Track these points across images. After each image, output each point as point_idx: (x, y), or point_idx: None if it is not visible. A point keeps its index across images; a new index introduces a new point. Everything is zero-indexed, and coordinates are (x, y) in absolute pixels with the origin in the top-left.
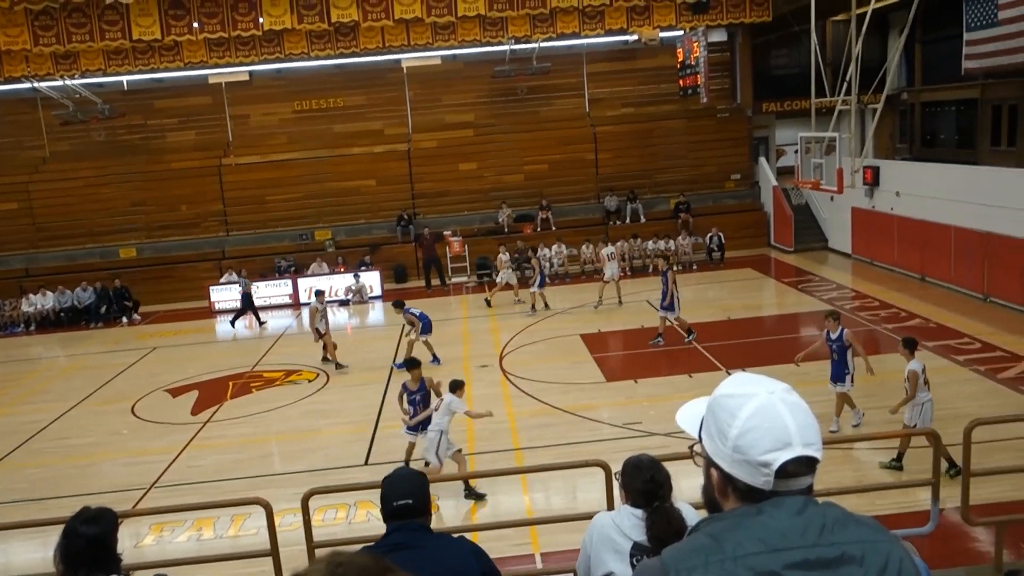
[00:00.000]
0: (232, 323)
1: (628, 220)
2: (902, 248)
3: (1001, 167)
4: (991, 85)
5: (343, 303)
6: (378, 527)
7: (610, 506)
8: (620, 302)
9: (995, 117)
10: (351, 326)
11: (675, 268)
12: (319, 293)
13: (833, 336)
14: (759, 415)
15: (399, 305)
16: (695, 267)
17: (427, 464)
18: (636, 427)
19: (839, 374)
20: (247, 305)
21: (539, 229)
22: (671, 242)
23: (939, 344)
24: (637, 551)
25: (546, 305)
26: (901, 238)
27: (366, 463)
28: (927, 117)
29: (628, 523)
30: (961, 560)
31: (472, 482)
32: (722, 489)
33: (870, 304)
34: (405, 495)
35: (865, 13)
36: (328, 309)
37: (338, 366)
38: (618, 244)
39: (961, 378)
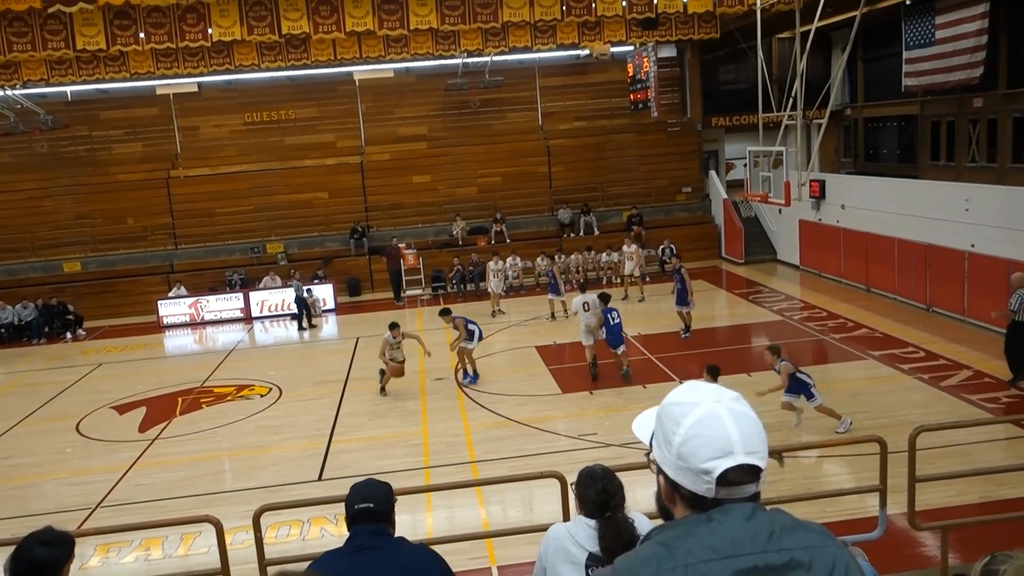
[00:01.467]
0: (300, 328)
1: (582, 233)
2: (848, 259)
3: (940, 180)
4: (930, 102)
5: (296, 316)
6: (333, 543)
7: (566, 517)
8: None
9: (934, 133)
10: (303, 340)
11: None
12: (394, 326)
13: (777, 368)
14: (702, 423)
15: (446, 312)
16: (647, 279)
17: None
18: (591, 438)
19: (804, 392)
20: (302, 307)
21: (493, 242)
22: (622, 254)
23: (885, 353)
24: (592, 561)
25: (565, 312)
26: (847, 250)
27: (319, 479)
28: (870, 132)
29: (583, 533)
30: (909, 564)
31: None
32: (669, 496)
33: (818, 315)
34: (365, 499)
35: (809, 31)
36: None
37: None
38: (572, 256)
39: (906, 386)
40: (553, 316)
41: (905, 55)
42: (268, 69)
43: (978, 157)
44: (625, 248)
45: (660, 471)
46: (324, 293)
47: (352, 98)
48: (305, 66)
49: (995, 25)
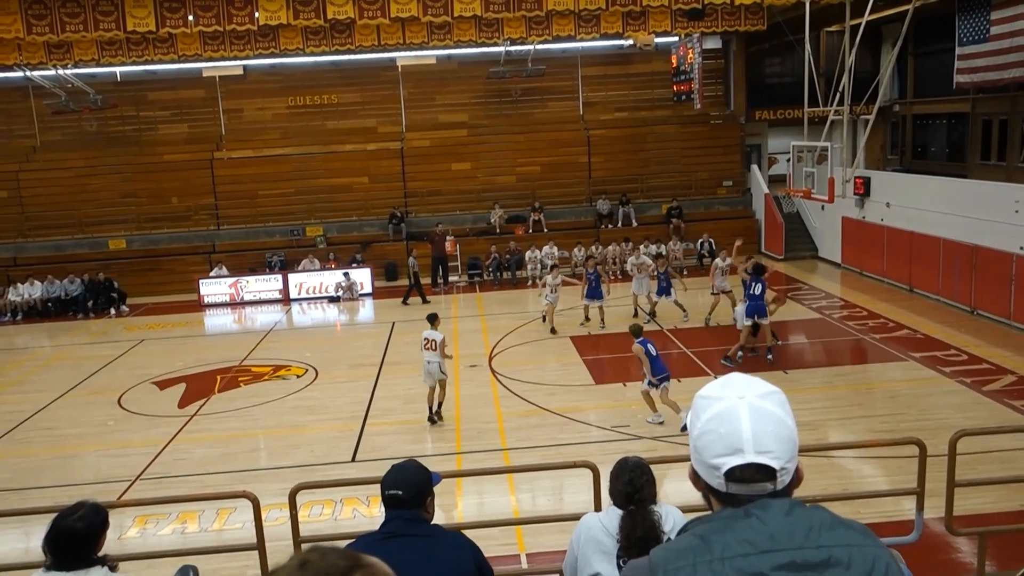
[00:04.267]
0: (406, 299)
1: (620, 224)
2: (891, 259)
3: (990, 181)
4: (982, 99)
5: (333, 299)
6: (364, 524)
7: (597, 507)
8: (635, 312)
9: (985, 131)
10: (340, 323)
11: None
12: (433, 318)
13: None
14: (717, 419)
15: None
16: (686, 272)
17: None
18: (624, 430)
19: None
20: (415, 283)
21: (531, 231)
22: (663, 247)
23: (926, 355)
24: (623, 552)
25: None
26: (890, 249)
27: (353, 460)
28: (918, 129)
29: (615, 524)
30: (945, 570)
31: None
32: (696, 484)
33: (858, 314)
34: (394, 485)
35: (859, 25)
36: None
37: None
38: (610, 248)
39: (947, 389)
40: (587, 318)
41: (958, 51)
42: (312, 54)
43: None
44: (632, 260)
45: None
46: (362, 277)
47: (394, 84)
48: (349, 51)
49: None
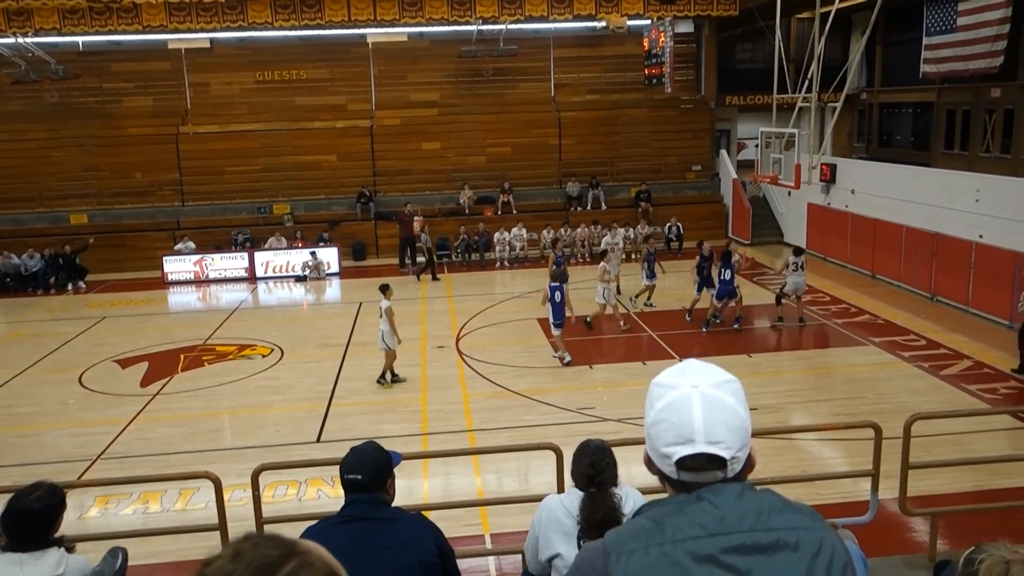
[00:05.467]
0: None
1: (589, 207)
2: (855, 245)
3: (952, 170)
4: (947, 90)
5: (300, 279)
6: (329, 505)
7: (560, 489)
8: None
9: (949, 121)
10: (307, 302)
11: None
12: (385, 288)
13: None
14: (670, 408)
15: (385, 288)
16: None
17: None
18: (589, 412)
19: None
20: (430, 260)
21: (500, 212)
22: (631, 230)
23: (886, 340)
24: (584, 533)
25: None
26: (854, 235)
27: (318, 440)
28: (884, 118)
29: (576, 505)
30: (898, 549)
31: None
32: (651, 469)
33: (821, 299)
34: (353, 469)
35: (829, 13)
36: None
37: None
38: (579, 230)
39: (906, 374)
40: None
41: (925, 41)
42: (281, 28)
43: (992, 148)
44: (607, 239)
45: None
46: (329, 256)
47: (364, 61)
48: (319, 26)
49: (1018, 15)
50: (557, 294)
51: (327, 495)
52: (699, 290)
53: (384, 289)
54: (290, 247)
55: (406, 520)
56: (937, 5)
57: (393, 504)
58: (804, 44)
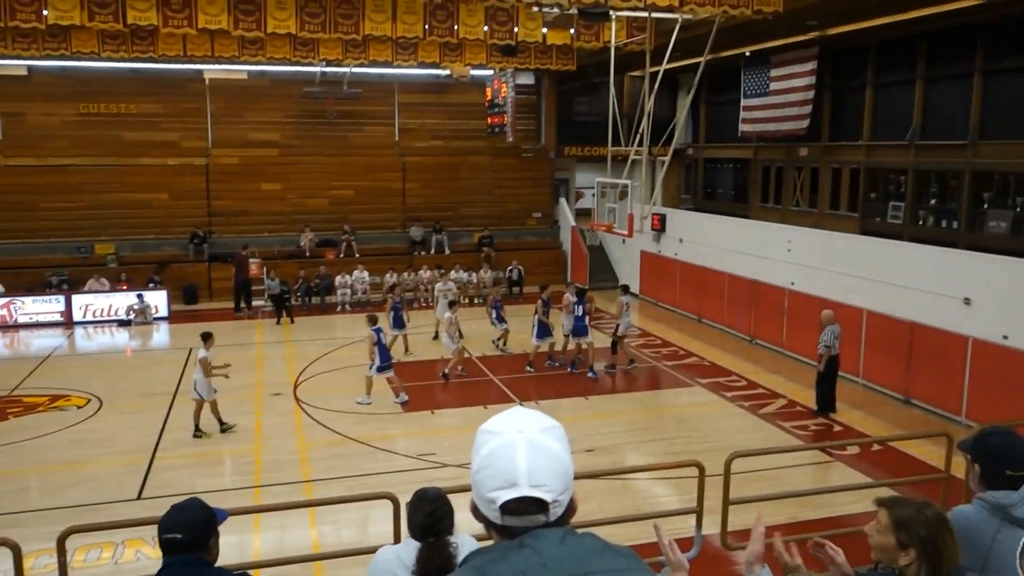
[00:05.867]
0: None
1: (433, 251)
2: (683, 291)
3: (768, 222)
4: (762, 148)
5: (124, 323)
6: (148, 567)
7: (397, 539)
8: (436, 336)
9: (765, 176)
10: (131, 349)
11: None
12: (207, 336)
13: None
14: (495, 454)
15: (207, 336)
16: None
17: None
18: (431, 458)
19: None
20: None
21: (342, 255)
22: (473, 275)
23: (711, 381)
24: None
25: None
26: (682, 281)
27: (139, 497)
28: (709, 172)
29: (412, 556)
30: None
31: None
32: (477, 516)
33: (653, 342)
34: (172, 528)
35: (658, 72)
36: None
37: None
38: (423, 273)
39: (728, 413)
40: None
41: (742, 103)
42: (110, 59)
43: (801, 202)
44: (439, 286)
45: None
46: (157, 300)
47: (201, 97)
48: (151, 59)
49: (821, 83)
50: (382, 336)
51: (147, 556)
52: (539, 337)
53: (205, 337)
54: (113, 290)
55: None
56: (753, 71)
57: (218, 564)
58: (636, 100)
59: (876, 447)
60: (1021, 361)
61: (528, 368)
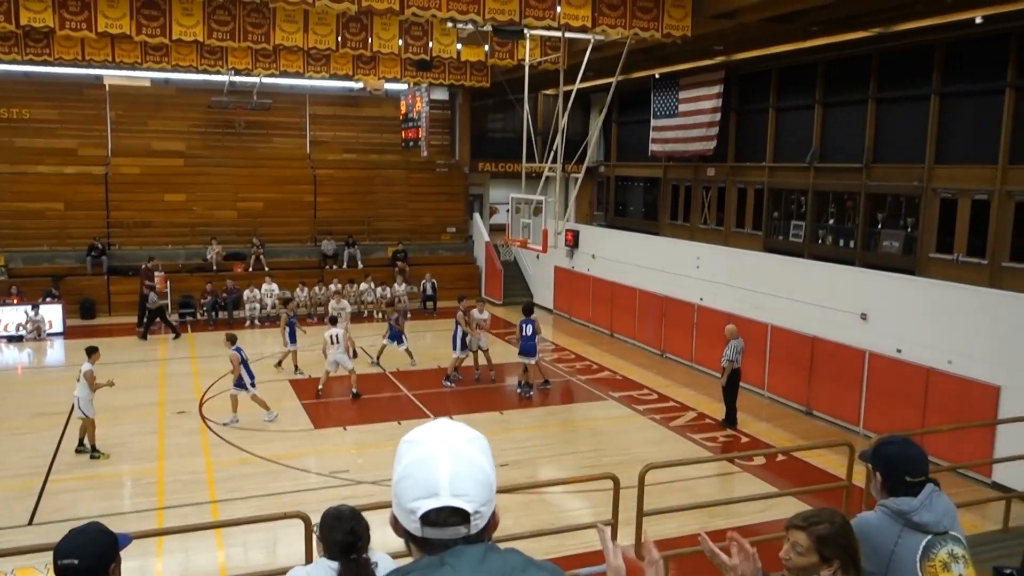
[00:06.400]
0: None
1: (345, 265)
2: (596, 306)
3: (677, 239)
4: (671, 167)
5: (15, 339)
6: None
7: (309, 559)
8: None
9: (674, 195)
10: (22, 366)
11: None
12: (92, 351)
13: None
14: (416, 464)
15: (92, 351)
16: (408, 315)
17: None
18: (343, 475)
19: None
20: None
21: (251, 269)
22: (387, 289)
23: (624, 395)
24: None
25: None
26: (595, 297)
27: (30, 523)
28: (620, 189)
29: None
30: None
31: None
32: (396, 531)
33: (567, 356)
34: (69, 554)
35: (571, 91)
36: None
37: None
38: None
39: (640, 425)
40: (280, 365)
41: (653, 123)
42: (0, 61)
43: (708, 220)
44: (333, 304)
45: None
46: (52, 314)
47: (100, 104)
48: (46, 63)
49: (727, 105)
50: (243, 354)
51: None
52: (461, 349)
53: (90, 352)
54: (4, 304)
55: None
56: (662, 92)
57: None
58: (550, 118)
59: (781, 457)
60: (913, 374)
61: (446, 383)
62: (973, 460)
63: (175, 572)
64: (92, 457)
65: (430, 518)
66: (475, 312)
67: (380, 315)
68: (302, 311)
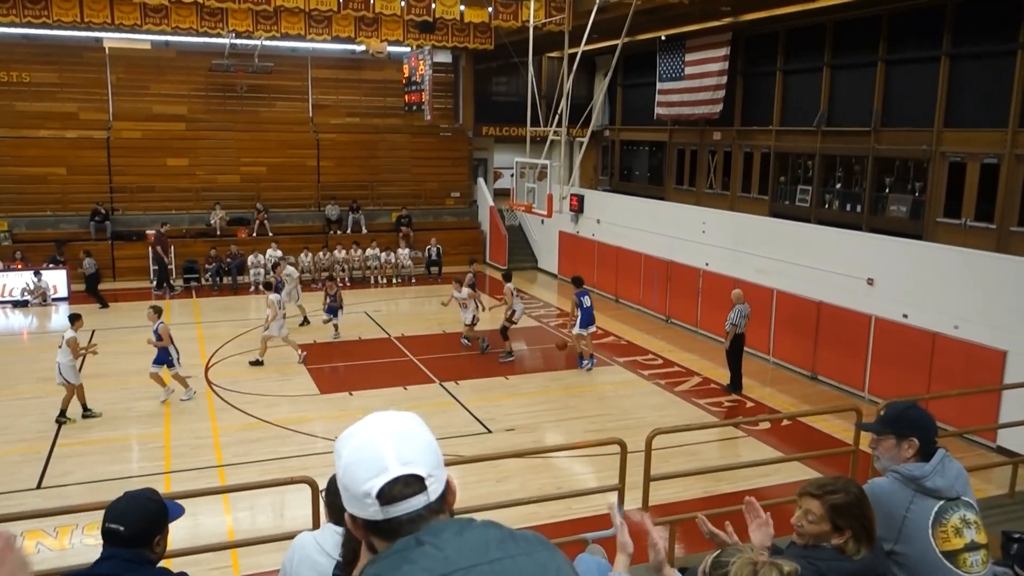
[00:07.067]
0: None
1: (349, 230)
2: (600, 271)
3: (682, 203)
4: (677, 131)
5: (20, 304)
6: (51, 559)
7: (316, 524)
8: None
9: (679, 159)
10: (27, 331)
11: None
12: (75, 318)
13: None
14: (358, 449)
15: (160, 310)
16: (414, 280)
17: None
18: None
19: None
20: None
21: (255, 234)
22: (392, 254)
23: (629, 360)
24: (340, 571)
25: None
26: (600, 262)
27: (39, 487)
28: (625, 154)
29: (331, 541)
30: (641, 557)
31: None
32: (356, 530)
33: (572, 322)
34: (116, 518)
35: (576, 54)
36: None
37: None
38: (338, 253)
39: (646, 391)
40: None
41: (658, 86)
42: None
43: (714, 184)
44: (287, 271)
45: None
46: (56, 279)
47: (100, 67)
48: (45, 25)
49: (733, 68)
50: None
51: (48, 548)
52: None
53: (73, 319)
54: (8, 269)
55: None
56: (668, 55)
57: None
58: (555, 81)
59: (786, 422)
60: (919, 339)
61: (464, 341)
62: (979, 425)
63: (183, 535)
64: (84, 416)
65: (386, 494)
66: (453, 292)
67: (384, 281)
68: (306, 276)
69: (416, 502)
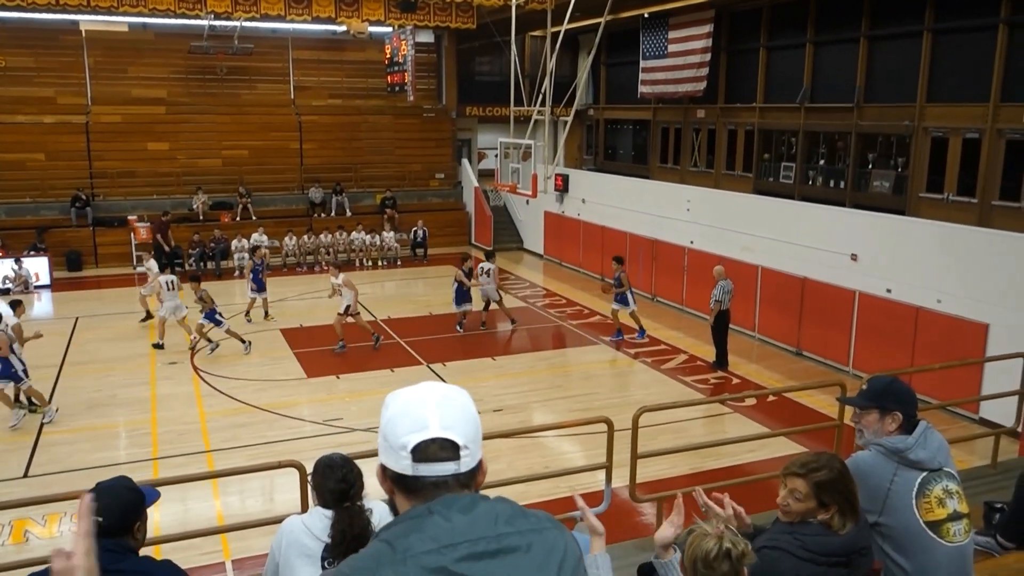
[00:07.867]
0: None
1: (334, 213)
2: (586, 250)
3: (667, 182)
4: (661, 109)
5: (1, 292)
6: (41, 547)
7: (304, 508)
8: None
9: (663, 137)
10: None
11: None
12: (16, 304)
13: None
14: (406, 404)
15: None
16: (399, 263)
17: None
18: (337, 423)
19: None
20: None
21: (238, 218)
22: (376, 236)
23: (614, 339)
24: (328, 553)
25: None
26: (585, 241)
27: (25, 475)
28: (609, 132)
29: (319, 525)
30: (630, 534)
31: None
32: (383, 482)
33: (558, 302)
34: (94, 511)
35: (559, 32)
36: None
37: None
38: (323, 237)
39: (632, 369)
40: (248, 315)
41: (642, 64)
42: None
43: (699, 162)
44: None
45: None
46: (37, 267)
47: (77, 50)
48: (20, 8)
49: (717, 45)
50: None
51: (37, 536)
52: (458, 303)
53: (14, 305)
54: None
55: (153, 571)
56: (651, 32)
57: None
58: (538, 60)
59: (771, 398)
60: (903, 313)
61: (458, 328)
62: (961, 397)
63: (172, 521)
64: (32, 411)
65: (420, 451)
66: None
67: (370, 263)
68: (291, 260)
69: (446, 468)
